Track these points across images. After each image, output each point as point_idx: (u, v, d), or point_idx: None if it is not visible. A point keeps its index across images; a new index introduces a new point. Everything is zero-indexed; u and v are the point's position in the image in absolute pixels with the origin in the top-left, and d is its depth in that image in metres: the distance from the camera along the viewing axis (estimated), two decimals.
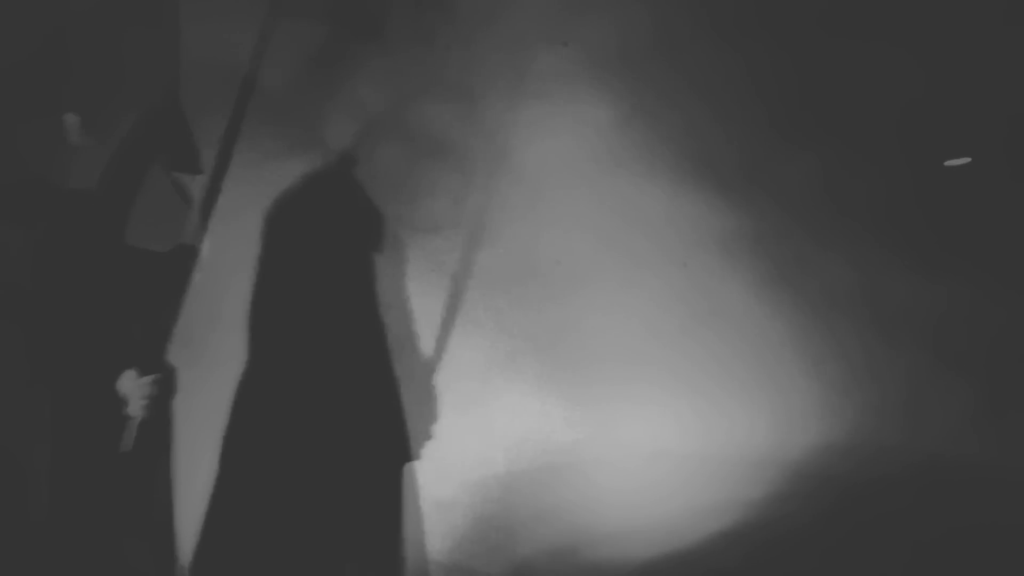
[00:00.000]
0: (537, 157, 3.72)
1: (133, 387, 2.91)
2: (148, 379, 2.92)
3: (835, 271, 3.71)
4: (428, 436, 3.62)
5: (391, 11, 3.67)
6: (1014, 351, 3.70)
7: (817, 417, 3.69)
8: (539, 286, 3.74)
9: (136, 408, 2.91)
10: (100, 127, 2.99)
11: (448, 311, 3.74)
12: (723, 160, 3.70)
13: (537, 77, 3.70)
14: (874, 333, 3.70)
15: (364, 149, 3.66)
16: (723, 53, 3.68)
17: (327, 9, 3.61)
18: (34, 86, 3.00)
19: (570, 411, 3.76)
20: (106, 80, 3.01)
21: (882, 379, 3.70)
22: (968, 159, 3.64)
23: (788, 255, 3.71)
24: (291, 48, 3.50)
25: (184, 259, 2.96)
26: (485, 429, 3.74)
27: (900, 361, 3.69)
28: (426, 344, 3.67)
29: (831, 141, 3.70)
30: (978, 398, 3.67)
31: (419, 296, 3.69)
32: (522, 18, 3.69)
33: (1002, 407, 3.68)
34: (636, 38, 3.67)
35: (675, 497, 3.69)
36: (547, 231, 3.73)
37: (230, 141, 3.00)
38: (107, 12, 3.05)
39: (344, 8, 3.63)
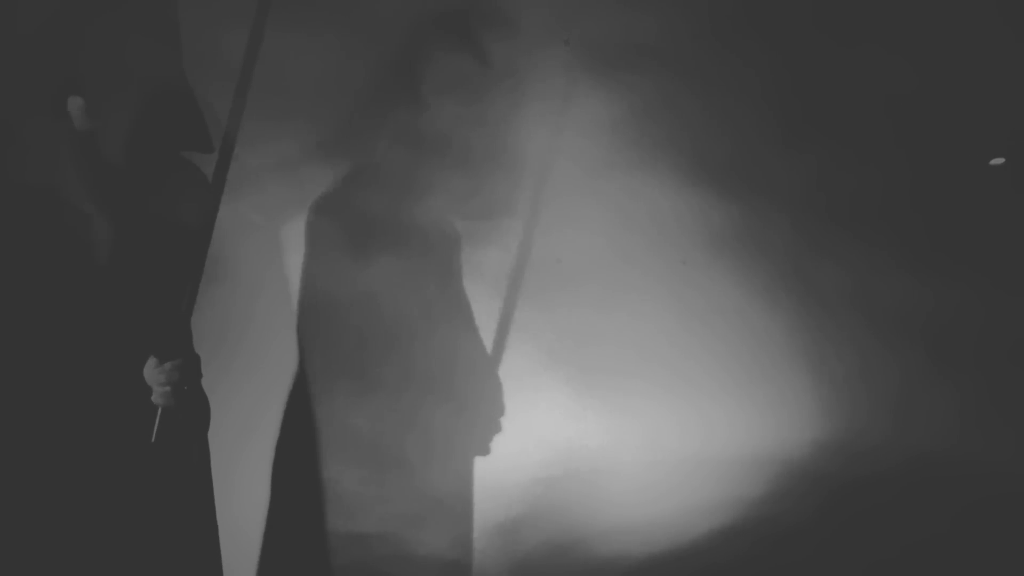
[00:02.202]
0: (538, 155, 3.72)
1: (153, 375, 2.87)
2: (167, 366, 2.87)
3: (832, 271, 3.74)
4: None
5: (393, 11, 3.66)
6: (1005, 350, 3.76)
7: (813, 416, 3.73)
8: (539, 284, 3.75)
9: (158, 396, 2.87)
10: (105, 110, 2.93)
11: (446, 308, 3.74)
12: (722, 160, 3.72)
13: (538, 75, 3.69)
14: (870, 333, 3.74)
15: (365, 148, 3.66)
16: (725, 53, 3.69)
17: (329, 10, 3.59)
18: (37, 73, 2.95)
19: (567, 409, 3.77)
20: (110, 63, 2.95)
21: (877, 378, 3.74)
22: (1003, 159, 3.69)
23: (785, 255, 3.74)
24: (292, 47, 3.47)
25: (198, 239, 2.89)
26: (483, 426, 3.75)
27: (895, 360, 3.74)
28: (428, 343, 3.68)
29: (829, 143, 3.73)
30: (969, 397, 3.73)
31: (419, 292, 3.69)
32: (523, 16, 3.68)
33: (992, 405, 3.74)
34: (637, 37, 3.67)
35: (672, 495, 3.73)
36: (548, 229, 3.74)
37: (231, 138, 2.94)
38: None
39: (347, 8, 3.61)
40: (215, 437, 3.04)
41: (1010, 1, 3.76)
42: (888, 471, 3.71)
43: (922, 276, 3.72)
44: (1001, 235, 3.77)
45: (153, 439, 2.87)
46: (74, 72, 2.90)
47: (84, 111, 2.91)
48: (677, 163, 3.71)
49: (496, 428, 3.75)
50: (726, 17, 3.69)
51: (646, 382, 3.76)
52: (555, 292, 3.75)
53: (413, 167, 3.66)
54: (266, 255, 3.55)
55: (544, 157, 3.72)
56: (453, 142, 3.67)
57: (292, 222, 3.62)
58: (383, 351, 3.66)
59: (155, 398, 2.87)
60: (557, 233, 3.74)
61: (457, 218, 3.72)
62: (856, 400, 3.74)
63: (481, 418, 3.74)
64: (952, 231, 3.76)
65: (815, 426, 3.73)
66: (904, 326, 3.74)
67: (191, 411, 2.94)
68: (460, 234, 3.72)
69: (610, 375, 3.76)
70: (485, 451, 3.74)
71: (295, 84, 3.54)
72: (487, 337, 3.76)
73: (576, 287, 3.75)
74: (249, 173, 3.19)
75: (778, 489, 3.72)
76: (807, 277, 3.73)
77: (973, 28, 3.72)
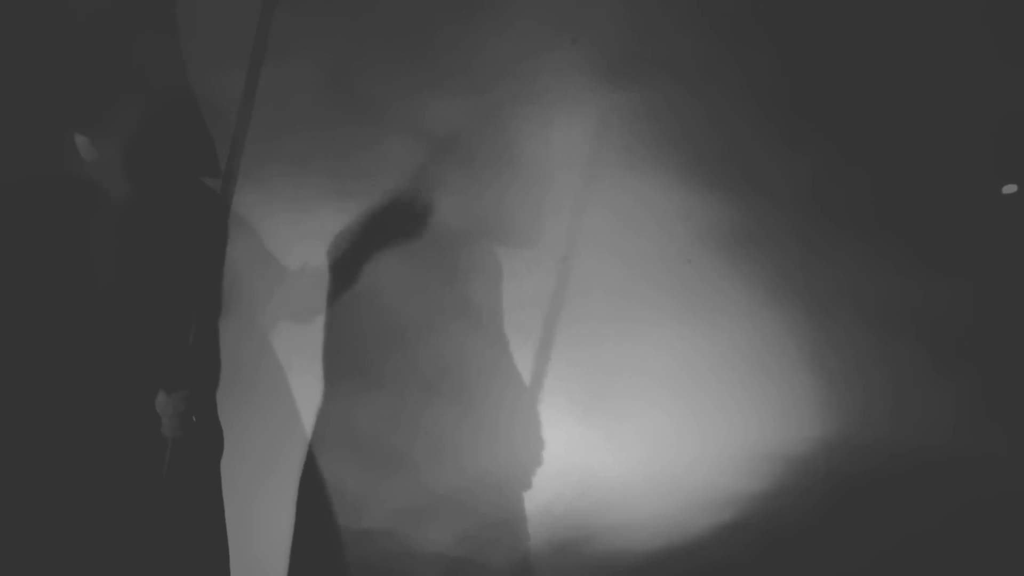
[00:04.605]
0: (544, 153, 3.72)
1: (162, 405, 2.84)
2: (174, 396, 2.84)
3: (834, 271, 3.78)
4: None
5: (397, 7, 3.65)
6: (1001, 349, 3.82)
7: (816, 412, 3.77)
8: (544, 281, 3.76)
9: (166, 427, 2.85)
10: (109, 136, 2.93)
11: (450, 305, 3.74)
12: (727, 160, 3.74)
13: (545, 73, 3.69)
14: (870, 331, 3.79)
15: (370, 146, 3.65)
16: (730, 54, 3.71)
17: (335, 7, 3.58)
18: (45, 88, 2.95)
19: (571, 404, 3.79)
20: (113, 83, 2.95)
21: (878, 375, 3.79)
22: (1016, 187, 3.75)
23: (789, 254, 3.77)
24: (297, 47, 3.46)
25: (210, 263, 2.88)
26: (487, 424, 3.75)
27: (894, 358, 3.79)
28: (433, 342, 3.68)
29: (832, 144, 3.76)
30: (966, 394, 3.79)
31: (425, 291, 3.69)
32: (530, 14, 3.68)
33: (989, 402, 3.80)
34: (645, 36, 3.69)
35: (676, 491, 3.76)
36: (553, 227, 3.74)
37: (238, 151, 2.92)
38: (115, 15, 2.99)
39: (352, 6, 3.61)
40: (234, 461, 3.03)
41: (1005, 5, 3.81)
42: (888, 467, 3.76)
43: (921, 276, 3.77)
44: (997, 235, 3.82)
45: (164, 470, 2.85)
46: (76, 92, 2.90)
47: (90, 144, 2.92)
48: (682, 163, 3.73)
49: (493, 424, 3.75)
50: (732, 18, 3.71)
51: (649, 379, 3.78)
52: (560, 290, 3.76)
53: (420, 166, 3.66)
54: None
55: (550, 156, 3.72)
56: (458, 141, 3.67)
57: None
58: (389, 350, 3.66)
59: (163, 429, 2.85)
60: (562, 232, 3.74)
61: (462, 218, 3.72)
62: (856, 397, 3.79)
63: (478, 414, 3.74)
64: (949, 231, 3.82)
65: (816, 423, 3.78)
66: (903, 324, 3.79)
67: (201, 442, 2.91)
68: (465, 234, 3.72)
69: (613, 373, 3.78)
70: (483, 447, 3.75)
71: (298, 89, 3.53)
72: (484, 332, 3.77)
73: (581, 285, 3.77)
74: (254, 195, 3.18)
75: (780, 485, 3.76)
76: (810, 276, 3.77)
77: (968, 32, 3.78)
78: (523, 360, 3.76)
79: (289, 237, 3.58)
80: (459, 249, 3.72)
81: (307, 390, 3.61)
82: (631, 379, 3.78)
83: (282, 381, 3.56)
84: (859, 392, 3.78)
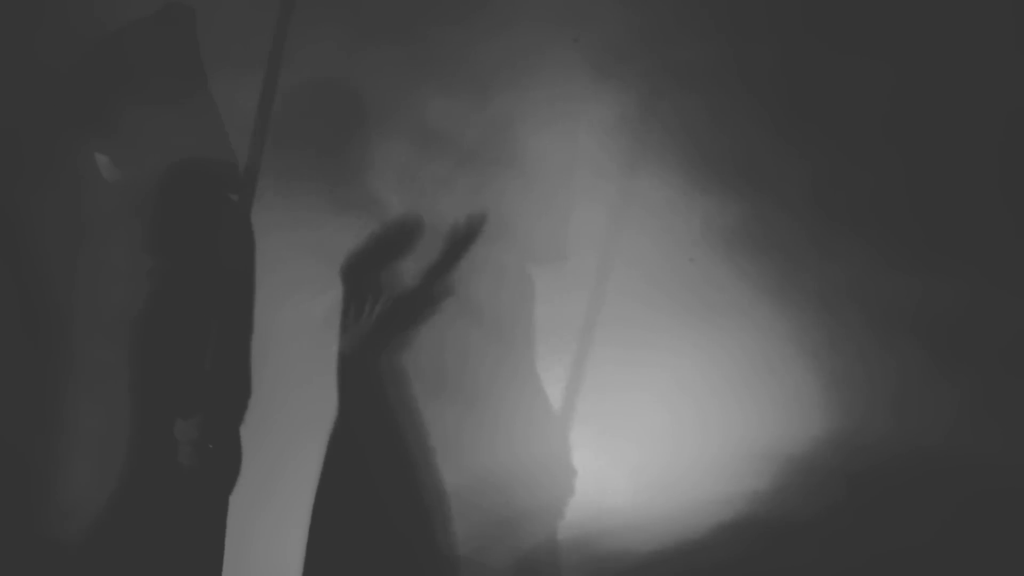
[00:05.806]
0: (545, 152, 3.71)
1: (180, 431, 2.83)
2: (190, 422, 2.83)
3: (836, 269, 3.79)
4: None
5: (396, 7, 3.64)
6: (1003, 347, 3.83)
7: (817, 411, 3.78)
8: (546, 280, 3.76)
9: (184, 455, 2.83)
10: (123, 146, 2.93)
11: (452, 304, 3.73)
12: (729, 159, 3.74)
13: (546, 72, 3.68)
14: (872, 330, 3.80)
15: (371, 145, 3.64)
16: (736, 53, 3.71)
17: (338, 7, 3.56)
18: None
19: (573, 403, 3.79)
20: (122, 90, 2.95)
21: (879, 374, 3.80)
22: None
23: (791, 253, 3.78)
24: (296, 49, 3.44)
25: (233, 282, 2.88)
26: (488, 423, 3.75)
27: (898, 356, 3.80)
28: (437, 340, 3.67)
29: (833, 142, 3.76)
30: (968, 393, 3.81)
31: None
32: (532, 13, 3.66)
33: (992, 401, 3.82)
34: (647, 35, 3.68)
35: (677, 490, 3.77)
36: (554, 226, 3.74)
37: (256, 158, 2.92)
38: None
39: (353, 6, 3.59)
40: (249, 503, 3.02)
41: (1009, 4, 3.81)
42: (888, 466, 3.77)
43: (923, 275, 3.78)
44: (998, 234, 3.83)
45: (173, 499, 2.85)
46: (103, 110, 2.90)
47: (111, 164, 2.92)
48: (684, 162, 3.72)
49: (495, 422, 3.75)
50: (734, 17, 3.71)
51: (650, 378, 3.79)
52: (561, 290, 3.76)
53: (421, 165, 3.65)
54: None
55: (551, 156, 3.71)
56: (461, 141, 3.66)
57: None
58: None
59: (180, 456, 2.84)
60: (563, 232, 3.74)
61: (461, 215, 3.70)
62: (857, 396, 3.80)
63: (480, 411, 3.74)
64: (951, 230, 3.82)
65: (817, 422, 3.78)
66: (905, 323, 3.79)
67: (216, 470, 2.90)
68: (464, 230, 3.70)
69: (615, 372, 3.78)
70: (484, 445, 3.74)
71: (298, 91, 3.51)
72: (487, 329, 3.76)
73: (583, 283, 3.77)
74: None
75: (781, 484, 3.77)
76: (812, 275, 3.78)
77: (971, 30, 3.78)
78: (525, 359, 3.76)
79: (289, 242, 3.57)
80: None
81: (311, 392, 3.60)
82: (632, 378, 3.78)
83: (286, 384, 3.55)
84: (860, 391, 3.79)
